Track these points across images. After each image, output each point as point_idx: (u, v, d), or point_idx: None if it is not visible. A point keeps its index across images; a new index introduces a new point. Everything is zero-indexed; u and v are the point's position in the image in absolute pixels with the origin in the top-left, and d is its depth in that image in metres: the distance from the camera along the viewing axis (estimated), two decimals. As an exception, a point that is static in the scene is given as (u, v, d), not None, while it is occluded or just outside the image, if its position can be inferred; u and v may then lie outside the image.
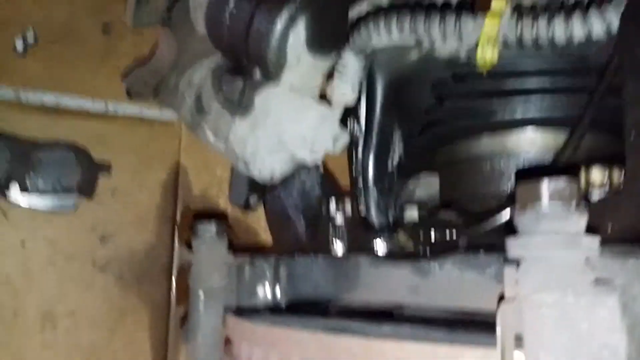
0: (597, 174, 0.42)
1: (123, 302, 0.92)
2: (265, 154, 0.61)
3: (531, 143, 0.55)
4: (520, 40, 0.47)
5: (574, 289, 0.30)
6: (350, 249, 0.60)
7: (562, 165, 0.47)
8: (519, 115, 0.55)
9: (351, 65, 0.59)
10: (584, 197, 0.41)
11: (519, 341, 0.32)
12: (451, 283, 0.44)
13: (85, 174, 0.88)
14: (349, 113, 0.72)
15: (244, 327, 0.47)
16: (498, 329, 0.32)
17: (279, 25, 0.56)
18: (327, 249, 0.60)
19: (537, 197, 0.33)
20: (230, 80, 0.60)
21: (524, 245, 0.33)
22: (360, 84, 0.70)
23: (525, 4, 0.47)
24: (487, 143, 0.57)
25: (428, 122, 0.63)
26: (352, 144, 0.72)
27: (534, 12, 0.47)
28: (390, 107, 0.71)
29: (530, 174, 0.52)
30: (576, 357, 0.29)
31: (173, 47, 0.71)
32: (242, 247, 0.85)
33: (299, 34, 0.58)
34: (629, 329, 0.30)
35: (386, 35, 0.54)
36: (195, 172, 0.95)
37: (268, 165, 0.62)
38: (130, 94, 0.75)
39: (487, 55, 0.47)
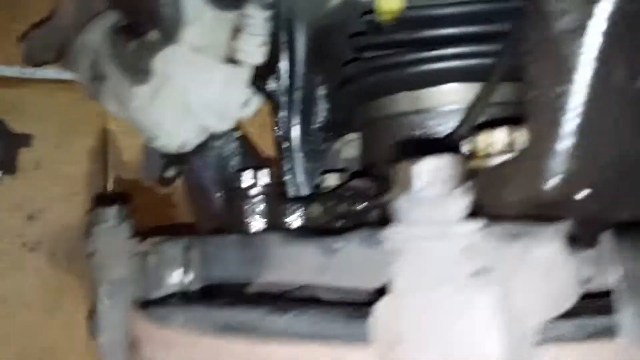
0: (499, 137, 0.38)
1: (58, 282, 0.89)
2: (171, 123, 0.57)
3: (452, 99, 0.51)
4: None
5: (449, 285, 0.28)
6: (268, 224, 0.57)
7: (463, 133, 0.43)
8: (437, 69, 0.51)
9: (256, 17, 0.54)
10: (470, 173, 0.37)
11: (399, 339, 0.29)
12: (356, 262, 0.41)
13: (3, 149, 0.84)
14: (269, 70, 0.68)
15: (146, 327, 0.45)
16: (374, 327, 0.30)
17: (168, -23, 0.51)
18: (242, 226, 0.57)
19: (409, 180, 0.30)
20: (124, 42, 0.55)
21: (397, 236, 0.30)
22: (277, 39, 0.66)
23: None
24: (404, 100, 0.53)
25: (345, 77, 0.59)
26: (274, 104, 0.69)
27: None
28: (313, 61, 0.67)
29: (423, 145, 0.49)
30: (449, 358, 0.27)
31: (75, 2, 0.66)
32: (159, 229, 0.83)
33: (193, -14, 0.53)
34: (507, 325, 0.27)
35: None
36: (124, 137, 0.90)
37: (176, 135, 0.59)
38: (27, 59, 0.69)
39: (385, 2, 0.43)
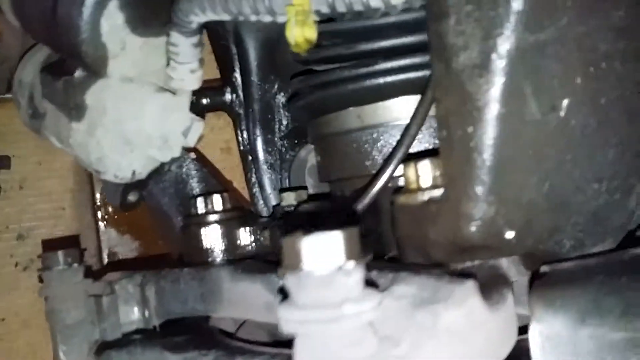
0: (426, 170, 0.35)
1: (54, 298, 0.91)
2: (115, 157, 0.56)
3: (398, 115, 0.49)
4: (333, 8, 0.39)
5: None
6: (224, 252, 0.56)
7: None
8: (379, 84, 0.48)
9: (182, 45, 0.51)
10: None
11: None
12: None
13: None
14: (225, 83, 0.66)
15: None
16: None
17: (86, 14, 0.49)
18: (199, 252, 0.56)
19: (298, 258, 0.28)
20: (50, 81, 0.54)
21: (291, 318, 0.28)
22: (229, 51, 0.64)
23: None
24: (350, 116, 0.51)
25: (293, 91, 0.57)
26: (234, 119, 0.67)
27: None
28: (267, 71, 0.64)
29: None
30: None
31: (17, 34, 0.64)
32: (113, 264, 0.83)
33: (113, 17, 0.50)
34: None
35: (202, 14, 0.47)
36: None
37: (125, 166, 0.58)
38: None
39: (298, 33, 0.40)
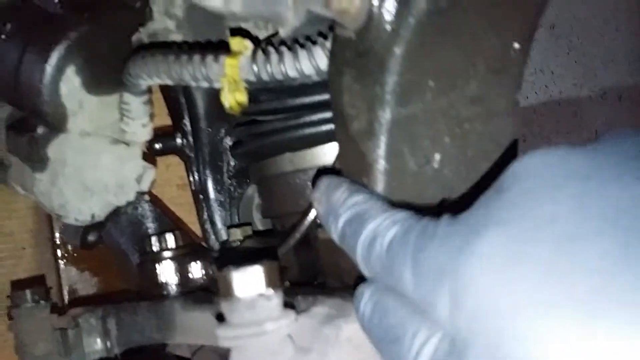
0: None
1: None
2: (76, 202, 0.65)
3: (327, 159, 0.59)
4: (259, 79, 0.50)
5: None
6: (178, 285, 0.65)
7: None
8: (308, 134, 0.59)
9: (133, 103, 0.61)
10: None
11: None
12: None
13: None
14: (176, 129, 0.76)
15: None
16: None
17: (46, 79, 0.58)
18: (155, 287, 0.65)
19: (229, 287, 0.38)
20: (14, 138, 0.63)
21: (226, 335, 0.38)
22: (178, 100, 0.74)
23: (264, 45, 0.50)
24: (284, 161, 0.61)
25: (235, 139, 0.67)
26: (186, 163, 0.76)
27: (267, 52, 0.49)
28: (214, 118, 0.74)
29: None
30: None
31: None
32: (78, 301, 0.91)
33: (71, 81, 0.60)
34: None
35: (148, 79, 0.57)
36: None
37: (85, 210, 0.67)
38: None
39: (230, 98, 0.50)
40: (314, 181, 0.41)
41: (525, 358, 0.22)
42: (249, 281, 0.38)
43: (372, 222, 0.33)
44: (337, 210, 0.36)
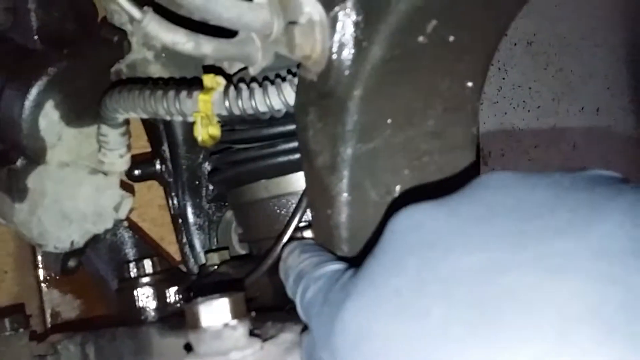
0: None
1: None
2: (55, 231, 0.67)
3: (298, 185, 0.61)
4: (231, 113, 0.52)
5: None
6: (155, 310, 0.67)
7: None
8: (281, 162, 0.61)
9: (111, 135, 0.64)
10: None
11: None
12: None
13: None
14: (155, 155, 0.78)
15: None
16: None
17: (25, 113, 0.61)
18: (133, 312, 0.67)
19: (196, 319, 0.40)
20: (-3, 169, 0.65)
21: (192, 365, 0.40)
22: (157, 127, 0.76)
23: (235, 81, 0.53)
24: (259, 188, 0.64)
25: (212, 166, 0.69)
26: (165, 188, 0.78)
27: (239, 88, 0.52)
28: (192, 144, 0.77)
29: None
30: None
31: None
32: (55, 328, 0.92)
33: (50, 115, 0.62)
34: None
35: (125, 112, 0.59)
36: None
37: (64, 238, 0.68)
38: None
39: (204, 132, 0.53)
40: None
41: None
42: (215, 312, 0.40)
43: (305, 278, 0.40)
44: (287, 272, 0.43)
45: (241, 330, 0.40)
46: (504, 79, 1.61)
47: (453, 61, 0.43)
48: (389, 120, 0.43)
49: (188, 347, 0.41)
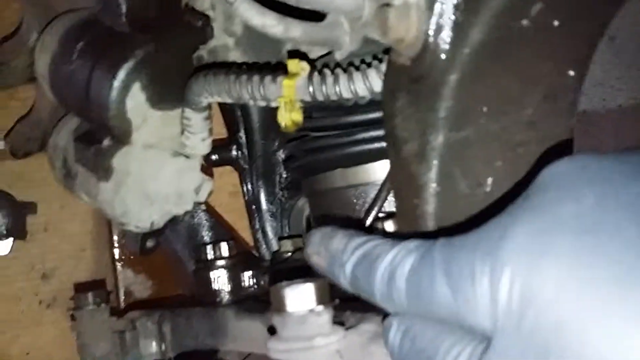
0: (389, 229, 0.47)
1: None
2: (137, 210, 0.68)
3: (376, 175, 0.60)
4: (315, 99, 0.51)
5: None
6: (230, 293, 0.67)
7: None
8: (361, 150, 0.60)
9: (194, 119, 0.64)
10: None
11: None
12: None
13: (11, 218, 0.96)
14: (231, 141, 0.79)
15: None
16: None
17: (113, 94, 0.62)
18: (209, 293, 0.68)
19: (282, 302, 0.40)
20: (82, 148, 0.66)
21: (277, 348, 0.40)
22: (234, 113, 0.76)
23: (320, 66, 0.52)
24: (337, 176, 0.63)
25: (289, 153, 0.69)
26: (240, 174, 0.79)
27: (323, 74, 0.51)
28: (268, 131, 0.77)
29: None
30: None
31: (50, 98, 0.77)
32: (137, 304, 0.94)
33: (136, 97, 0.63)
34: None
35: (210, 96, 0.59)
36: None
37: (145, 218, 0.70)
38: (15, 153, 0.82)
39: (287, 117, 0.52)
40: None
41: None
42: (301, 297, 0.39)
43: (385, 257, 0.32)
44: (341, 257, 0.35)
45: (325, 316, 0.40)
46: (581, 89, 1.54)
47: (556, 47, 0.41)
48: (484, 108, 0.41)
49: (272, 330, 0.41)
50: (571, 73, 0.43)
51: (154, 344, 0.66)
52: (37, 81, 0.77)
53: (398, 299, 0.31)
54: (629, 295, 0.23)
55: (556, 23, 0.40)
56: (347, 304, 0.52)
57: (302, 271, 0.41)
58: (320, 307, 0.40)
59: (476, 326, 0.28)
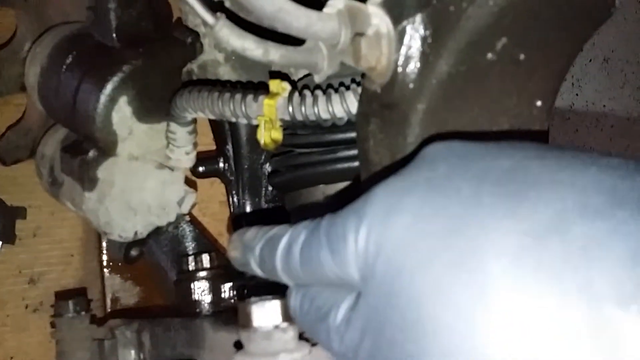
0: None
1: (60, 339, 1.02)
2: (120, 221, 0.70)
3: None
4: (294, 119, 0.53)
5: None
6: (210, 303, 0.69)
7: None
8: (341, 168, 0.61)
9: (179, 133, 0.66)
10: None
11: None
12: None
13: (1, 222, 0.97)
14: (219, 153, 0.80)
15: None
16: None
17: (100, 107, 0.63)
18: (189, 304, 0.69)
19: (248, 318, 0.41)
20: (68, 159, 0.68)
21: (241, 363, 0.41)
22: (222, 125, 0.78)
23: (299, 86, 0.54)
24: (317, 192, 0.64)
25: (272, 169, 0.70)
26: (226, 186, 0.80)
27: (303, 95, 0.53)
28: (255, 145, 0.78)
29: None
30: None
31: (40, 110, 0.79)
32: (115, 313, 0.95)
33: (123, 110, 0.65)
34: None
35: (193, 112, 0.61)
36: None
37: (129, 228, 0.71)
38: (3, 160, 0.83)
39: (266, 136, 0.54)
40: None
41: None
42: (267, 313, 0.41)
43: (284, 237, 0.35)
44: (251, 244, 0.37)
45: (291, 333, 0.41)
46: (577, 95, 1.56)
47: (522, 80, 0.43)
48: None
49: (238, 345, 0.42)
50: (538, 103, 0.44)
51: (132, 352, 0.67)
52: (27, 91, 0.79)
53: (295, 270, 0.34)
54: (454, 245, 0.26)
55: (522, 57, 0.41)
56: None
57: (273, 290, 0.43)
58: (286, 324, 0.41)
59: (352, 281, 0.30)
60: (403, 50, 0.40)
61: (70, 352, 0.65)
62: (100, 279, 1.08)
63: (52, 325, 0.68)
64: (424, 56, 0.40)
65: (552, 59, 0.44)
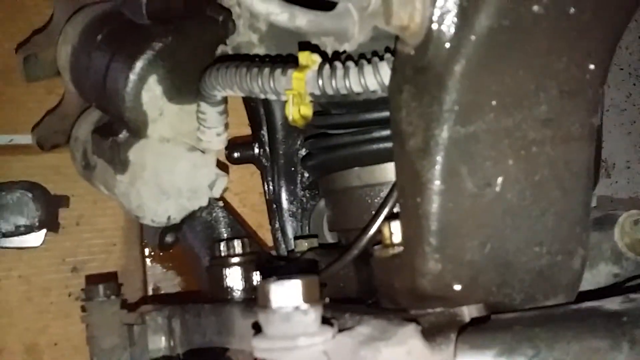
0: (396, 229, 0.44)
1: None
2: (152, 204, 0.68)
3: (392, 175, 0.57)
4: (324, 93, 0.49)
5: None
6: (242, 289, 0.66)
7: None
8: (377, 149, 0.57)
9: (209, 113, 0.63)
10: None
11: None
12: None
13: (44, 210, 0.97)
14: (254, 139, 0.77)
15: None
16: None
17: (129, 86, 0.61)
18: (221, 289, 0.66)
19: (267, 298, 0.37)
20: (99, 141, 0.66)
21: (260, 347, 0.37)
22: (257, 111, 0.75)
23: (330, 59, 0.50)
24: (353, 175, 0.60)
25: (307, 152, 0.67)
26: (262, 172, 0.77)
27: (333, 66, 0.49)
28: (290, 130, 0.75)
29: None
30: None
31: (76, 94, 0.78)
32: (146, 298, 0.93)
33: (153, 89, 0.62)
34: None
35: (223, 90, 0.58)
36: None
37: (161, 212, 0.69)
38: (42, 145, 0.83)
39: (295, 111, 0.50)
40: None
41: None
42: (287, 294, 0.37)
43: None
44: None
45: (312, 315, 0.37)
46: (634, 84, 1.47)
47: (573, 38, 0.38)
48: (494, 102, 0.38)
49: (257, 327, 0.39)
50: (591, 66, 0.39)
51: (163, 339, 0.65)
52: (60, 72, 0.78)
53: None
54: None
55: (572, 10, 0.36)
56: (350, 306, 0.50)
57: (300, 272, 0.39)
58: (307, 305, 0.37)
59: None
60: (438, 3, 0.36)
61: (100, 337, 0.63)
62: (142, 268, 1.07)
63: (83, 309, 0.66)
64: (462, 9, 0.35)
65: (605, 15, 0.39)
